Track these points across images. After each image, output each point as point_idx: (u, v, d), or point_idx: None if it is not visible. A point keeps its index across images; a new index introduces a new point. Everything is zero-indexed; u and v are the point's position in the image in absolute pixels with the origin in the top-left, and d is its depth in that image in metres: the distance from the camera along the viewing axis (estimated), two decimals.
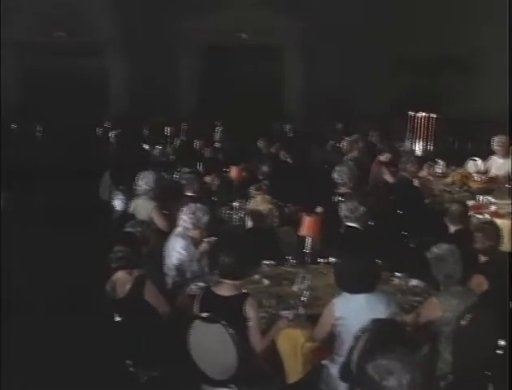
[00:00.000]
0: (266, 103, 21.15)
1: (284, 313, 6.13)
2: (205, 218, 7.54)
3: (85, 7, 20.76)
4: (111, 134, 15.69)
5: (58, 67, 21.01)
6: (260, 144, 13.90)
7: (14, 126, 18.13)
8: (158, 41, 20.38)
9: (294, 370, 5.79)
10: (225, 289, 5.90)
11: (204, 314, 5.79)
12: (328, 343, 5.77)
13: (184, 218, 7.58)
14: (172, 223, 8.13)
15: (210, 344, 5.73)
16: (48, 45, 20.71)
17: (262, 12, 20.57)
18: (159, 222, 8.79)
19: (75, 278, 9.00)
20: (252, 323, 5.76)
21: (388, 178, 11.20)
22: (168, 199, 9.46)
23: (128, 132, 15.95)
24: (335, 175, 9.96)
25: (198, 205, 7.76)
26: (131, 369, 6.11)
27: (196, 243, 7.50)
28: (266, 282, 6.98)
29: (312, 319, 5.93)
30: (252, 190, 9.56)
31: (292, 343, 5.82)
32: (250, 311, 5.76)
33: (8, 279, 7.79)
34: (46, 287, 8.77)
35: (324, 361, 5.82)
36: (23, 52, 20.92)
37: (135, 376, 6.11)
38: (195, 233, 7.52)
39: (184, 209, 7.68)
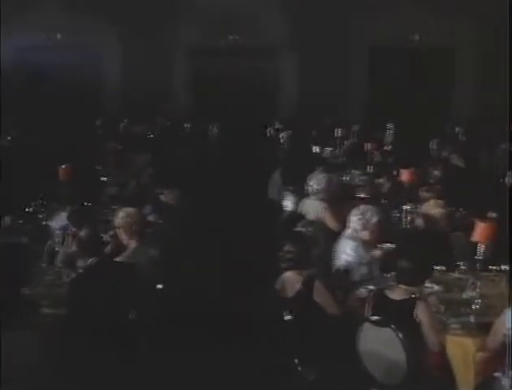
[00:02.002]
0: (438, 105, 20.81)
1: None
2: (374, 219, 7.48)
3: (256, 9, 21.06)
4: (282, 135, 15.88)
5: (230, 68, 21.41)
6: (431, 147, 13.68)
7: (187, 125, 18.65)
8: (329, 41, 20.43)
9: (465, 380, 5.66)
10: (397, 293, 5.85)
11: (374, 318, 5.77)
12: (501, 354, 5.59)
13: (353, 220, 7.56)
14: (342, 224, 8.13)
15: (380, 348, 5.70)
16: (220, 48, 21.15)
17: (433, 13, 20.26)
18: (330, 222, 8.82)
19: (245, 276, 9.15)
20: (425, 328, 5.69)
21: None
22: (338, 200, 9.48)
23: (299, 133, 16.08)
24: (507, 180, 9.69)
25: (368, 206, 7.74)
26: (299, 368, 6.16)
27: (365, 245, 7.46)
28: (436, 287, 6.87)
29: (484, 328, 5.79)
30: (423, 194, 9.43)
31: (463, 351, 5.69)
32: (422, 316, 5.69)
33: (180, 278, 8.00)
34: (214, 285, 8.96)
35: (496, 374, 5.65)
36: (196, 55, 21.45)
37: (303, 375, 6.15)
38: (364, 234, 7.47)
39: (354, 210, 7.67)
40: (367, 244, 7.46)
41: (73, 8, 19.88)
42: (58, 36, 20.43)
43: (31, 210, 9.53)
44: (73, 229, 8.10)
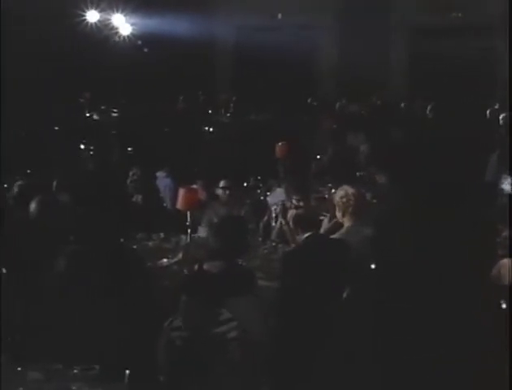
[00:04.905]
0: None
1: None
2: None
3: None
4: (501, 116, 15.39)
5: (449, 47, 20.95)
6: None
7: (403, 105, 18.49)
8: None
9: None
10: None
11: None
12: None
13: None
14: None
15: None
16: (439, 26, 20.75)
17: None
18: None
19: (458, 260, 8.95)
20: None
21: None
22: None
23: None
24: None
25: None
26: None
27: None
28: None
29: None
30: None
31: None
32: None
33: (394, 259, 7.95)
34: (425, 267, 8.84)
35: None
36: (415, 33, 21.17)
37: None
38: None
39: None
40: None
41: None
42: (279, 15, 20.82)
43: (249, 184, 9.84)
44: (289, 205, 8.30)
